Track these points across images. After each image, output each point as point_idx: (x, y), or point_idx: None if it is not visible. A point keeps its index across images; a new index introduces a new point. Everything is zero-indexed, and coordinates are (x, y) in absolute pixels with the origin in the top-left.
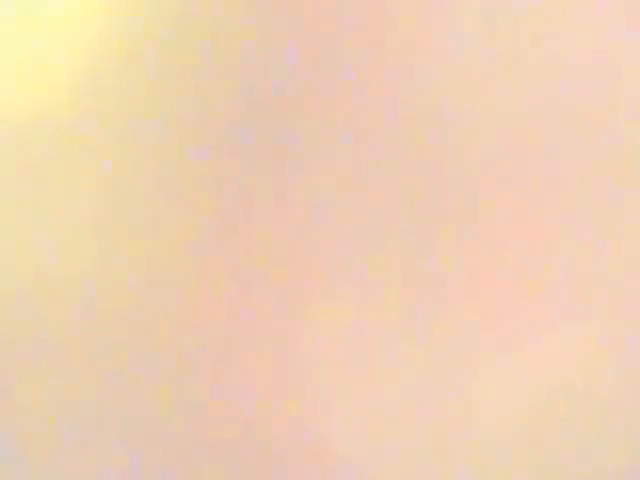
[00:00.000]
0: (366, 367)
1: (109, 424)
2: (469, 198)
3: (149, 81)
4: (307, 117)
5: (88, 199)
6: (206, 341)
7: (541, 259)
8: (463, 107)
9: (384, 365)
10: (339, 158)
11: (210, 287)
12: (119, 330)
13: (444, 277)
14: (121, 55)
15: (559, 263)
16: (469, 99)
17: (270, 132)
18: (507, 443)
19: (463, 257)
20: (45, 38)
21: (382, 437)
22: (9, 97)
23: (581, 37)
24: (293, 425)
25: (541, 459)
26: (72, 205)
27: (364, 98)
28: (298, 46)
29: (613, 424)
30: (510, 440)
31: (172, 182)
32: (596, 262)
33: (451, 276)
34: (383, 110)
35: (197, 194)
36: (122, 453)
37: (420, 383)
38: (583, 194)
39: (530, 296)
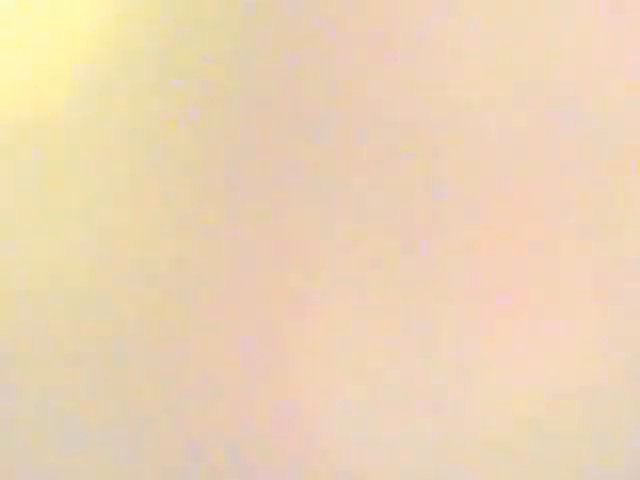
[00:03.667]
0: (365, 368)
1: (108, 422)
2: (470, 199)
3: (150, 81)
4: (308, 117)
5: (89, 200)
6: (206, 341)
7: (542, 259)
8: (464, 108)
9: (383, 367)
10: (338, 159)
11: (210, 288)
12: (119, 329)
13: (444, 278)
14: (123, 55)
15: (560, 264)
16: (470, 101)
17: (270, 132)
18: (507, 444)
19: (463, 258)
20: (46, 38)
21: (381, 439)
22: (10, 98)
23: (582, 36)
24: (291, 426)
25: (542, 459)
26: (73, 206)
27: (364, 98)
28: (299, 46)
29: (613, 424)
30: (510, 441)
31: (173, 182)
32: (596, 262)
33: (451, 276)
34: (384, 110)
35: (198, 194)
36: (120, 451)
37: (419, 384)
38: (583, 195)
39: (531, 296)
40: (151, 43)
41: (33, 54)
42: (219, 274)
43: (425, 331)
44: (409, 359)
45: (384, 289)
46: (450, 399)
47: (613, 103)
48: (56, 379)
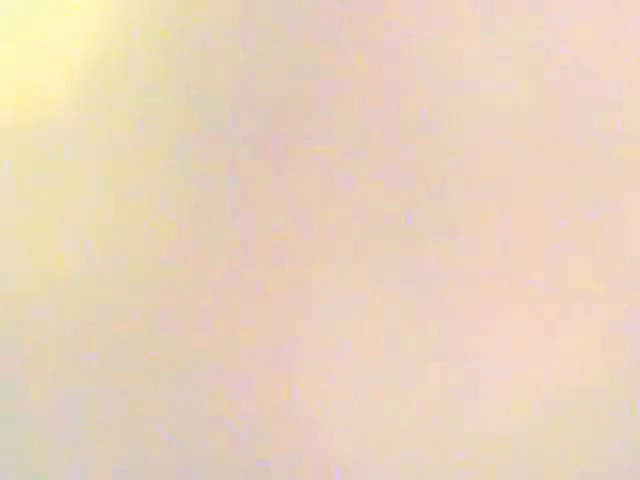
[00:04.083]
0: (365, 367)
1: (108, 422)
2: (471, 199)
3: (150, 81)
4: (307, 116)
5: (89, 200)
6: (206, 342)
7: (542, 259)
8: (464, 108)
9: (383, 366)
10: (340, 158)
11: (211, 287)
12: (119, 329)
13: (445, 277)
14: (123, 55)
15: (560, 263)
16: (470, 101)
17: (271, 131)
18: (507, 445)
19: (464, 258)
20: (46, 38)
21: (381, 438)
22: (10, 98)
23: (582, 35)
24: (291, 426)
25: (542, 460)
26: (73, 205)
27: (365, 97)
28: (299, 45)
29: (613, 424)
30: (510, 440)
31: (173, 182)
32: (596, 262)
33: (452, 277)
34: (384, 109)
35: (198, 194)
36: (121, 450)
37: (419, 383)
38: (583, 195)
39: (531, 296)
40: (151, 43)
41: (33, 54)
42: (220, 274)
43: (425, 330)
44: (409, 358)
45: (384, 288)
46: (450, 398)
47: (613, 103)
48: (56, 379)
